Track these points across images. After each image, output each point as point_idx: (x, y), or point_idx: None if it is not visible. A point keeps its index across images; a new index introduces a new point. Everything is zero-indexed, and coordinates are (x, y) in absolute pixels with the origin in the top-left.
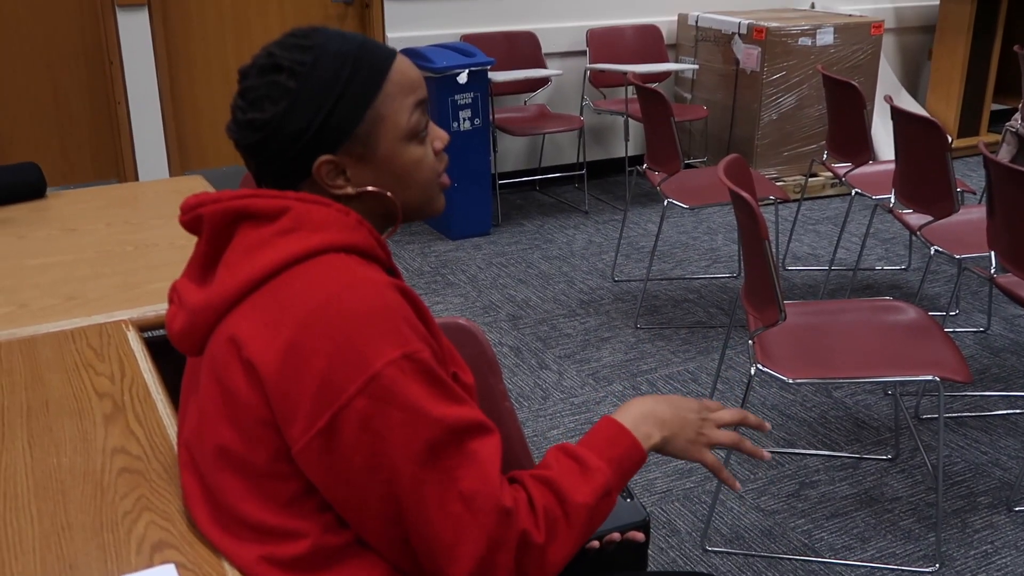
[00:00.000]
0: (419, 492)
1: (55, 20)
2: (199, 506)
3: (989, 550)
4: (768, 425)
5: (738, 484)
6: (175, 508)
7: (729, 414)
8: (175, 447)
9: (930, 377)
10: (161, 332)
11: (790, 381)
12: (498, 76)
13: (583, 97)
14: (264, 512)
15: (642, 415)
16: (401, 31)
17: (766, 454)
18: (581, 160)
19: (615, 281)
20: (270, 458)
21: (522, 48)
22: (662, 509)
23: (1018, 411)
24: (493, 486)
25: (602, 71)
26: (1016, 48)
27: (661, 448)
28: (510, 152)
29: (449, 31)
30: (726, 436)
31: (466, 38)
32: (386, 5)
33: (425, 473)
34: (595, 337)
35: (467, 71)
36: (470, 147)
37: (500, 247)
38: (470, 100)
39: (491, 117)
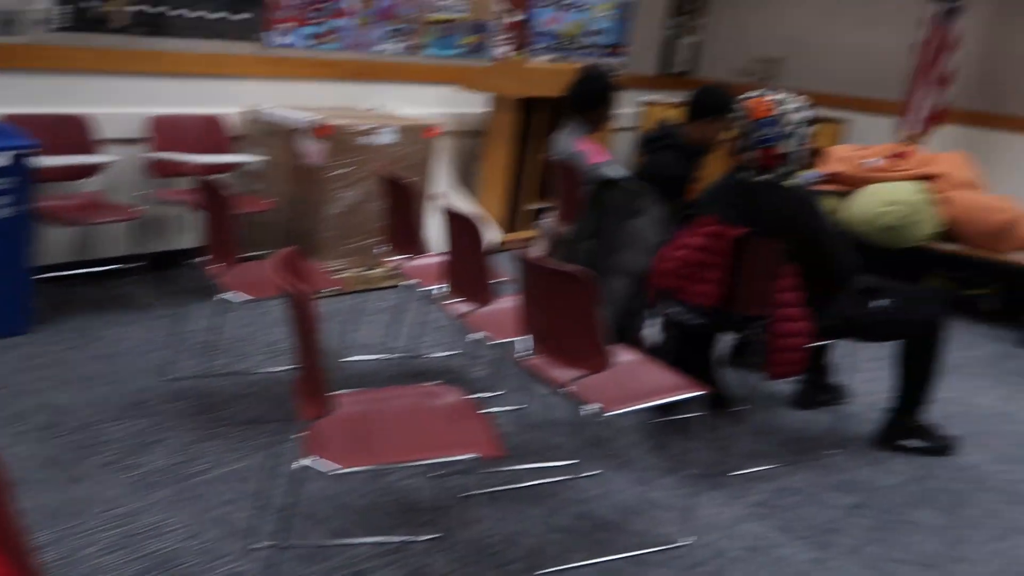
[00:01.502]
0: None
1: None
2: None
3: None
4: None
5: None
6: None
7: None
8: None
9: (468, 456)
10: None
11: (341, 471)
12: (43, 161)
13: (143, 186)
14: None
15: None
16: None
17: None
18: (139, 252)
19: (169, 379)
20: None
21: (73, 133)
22: None
23: (545, 480)
24: None
25: (163, 160)
26: (543, 156)
27: None
28: (58, 243)
29: None
30: None
31: (11, 119)
32: None
33: None
34: (142, 441)
35: (8, 154)
36: (4, 238)
37: (38, 348)
38: (8, 186)
39: (33, 205)
